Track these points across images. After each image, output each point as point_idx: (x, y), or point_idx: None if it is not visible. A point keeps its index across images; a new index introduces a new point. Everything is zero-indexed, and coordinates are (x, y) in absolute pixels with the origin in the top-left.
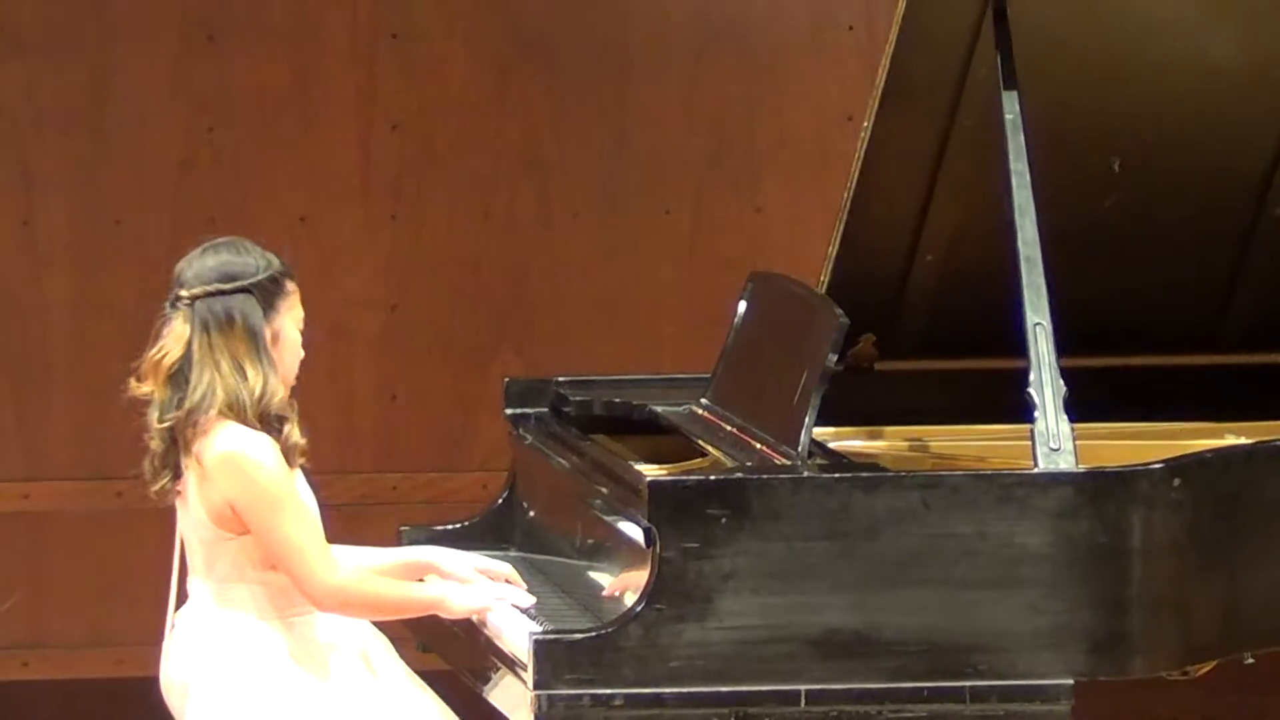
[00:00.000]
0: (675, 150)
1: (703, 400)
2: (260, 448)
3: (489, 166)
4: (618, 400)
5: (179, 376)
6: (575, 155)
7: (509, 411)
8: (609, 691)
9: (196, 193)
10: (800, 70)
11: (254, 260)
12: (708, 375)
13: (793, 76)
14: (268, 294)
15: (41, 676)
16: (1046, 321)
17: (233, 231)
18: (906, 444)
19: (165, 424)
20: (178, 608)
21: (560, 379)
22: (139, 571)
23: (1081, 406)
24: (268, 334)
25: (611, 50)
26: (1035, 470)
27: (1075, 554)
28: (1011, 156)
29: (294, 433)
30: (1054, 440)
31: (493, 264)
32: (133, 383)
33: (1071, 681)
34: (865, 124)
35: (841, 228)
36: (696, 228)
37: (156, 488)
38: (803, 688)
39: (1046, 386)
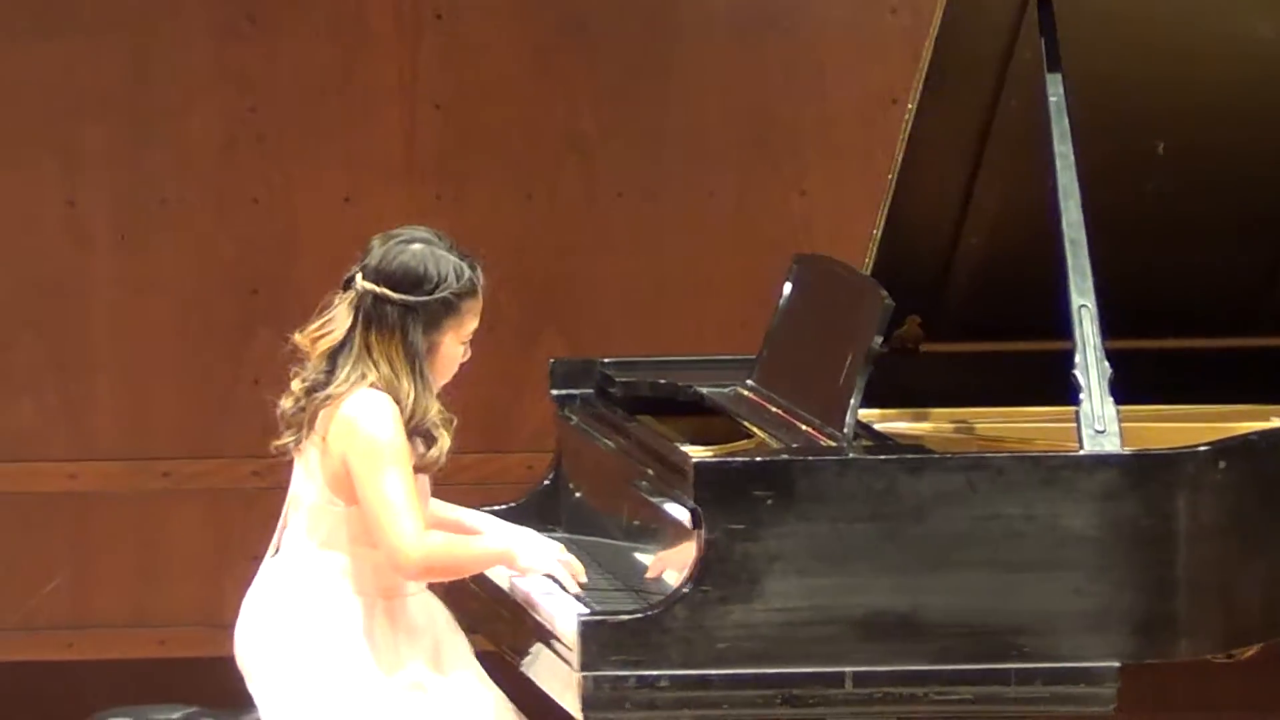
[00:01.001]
0: (719, 132)
1: (748, 381)
2: (381, 406)
3: (533, 147)
4: (663, 381)
5: (334, 355)
6: (619, 136)
7: (554, 392)
8: (655, 673)
9: (240, 173)
10: (844, 52)
11: (437, 272)
12: (753, 356)
13: (836, 59)
14: (434, 314)
15: (86, 657)
16: (1091, 304)
17: (276, 212)
18: (952, 426)
19: (306, 385)
20: (274, 556)
21: (605, 360)
22: (184, 552)
23: (1126, 389)
24: (425, 348)
25: (655, 31)
26: (1080, 453)
27: (1120, 536)
28: (1056, 139)
29: (438, 452)
30: (1099, 422)
31: (537, 245)
32: (298, 337)
33: (1117, 664)
34: (909, 106)
35: (886, 210)
36: (741, 210)
37: (280, 443)
38: (848, 669)
39: (1092, 369)
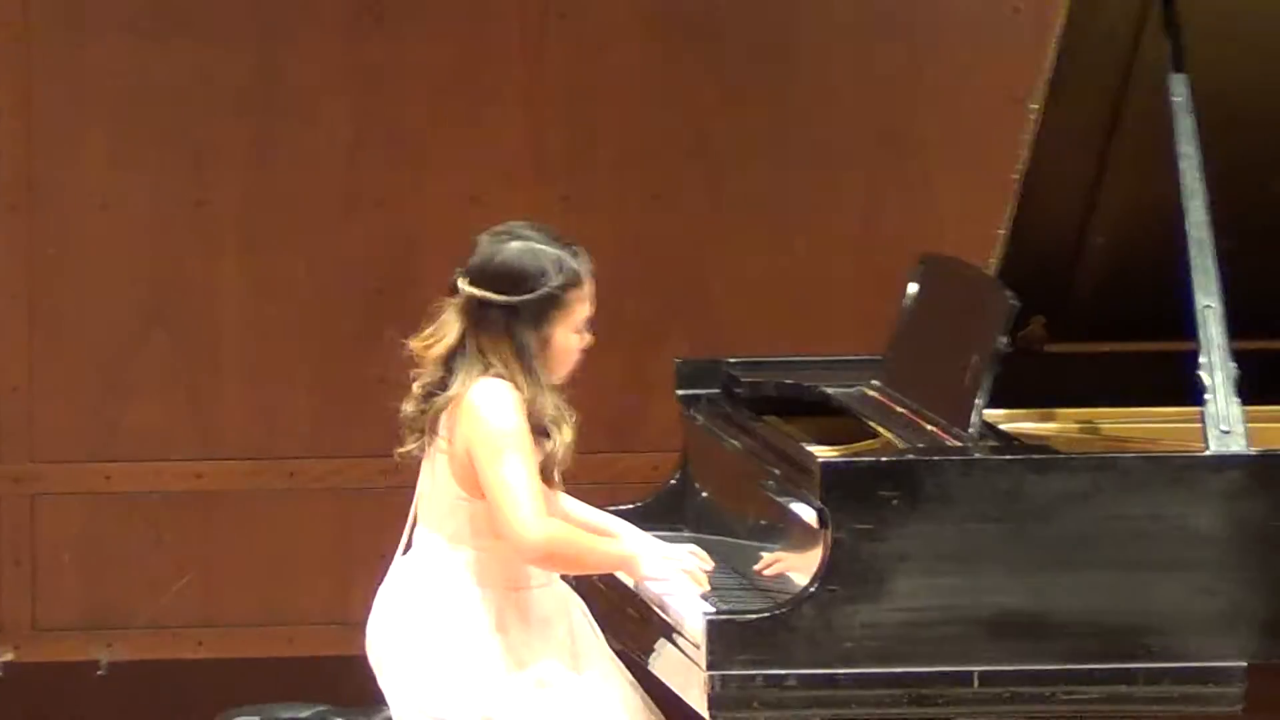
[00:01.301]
0: (844, 133)
1: (874, 382)
2: (502, 396)
3: (658, 147)
4: (789, 381)
5: (448, 361)
6: (745, 136)
7: (680, 392)
8: (782, 672)
9: (367, 173)
10: (968, 53)
11: (537, 268)
12: (879, 357)
13: (960, 59)
14: (537, 310)
15: (215, 655)
16: (1217, 303)
17: (403, 212)
18: (1077, 426)
19: (424, 390)
20: (404, 554)
21: (731, 360)
22: (311, 551)
23: (1252, 389)
24: (535, 345)
25: (780, 31)
26: (1206, 453)
27: (1247, 536)
28: (1180, 139)
29: (556, 447)
30: (1225, 422)
31: (663, 244)
32: (413, 343)
33: (1244, 664)
34: (1034, 106)
35: (1012, 210)
36: (866, 210)
37: (403, 450)
38: (975, 669)
39: (1217, 369)
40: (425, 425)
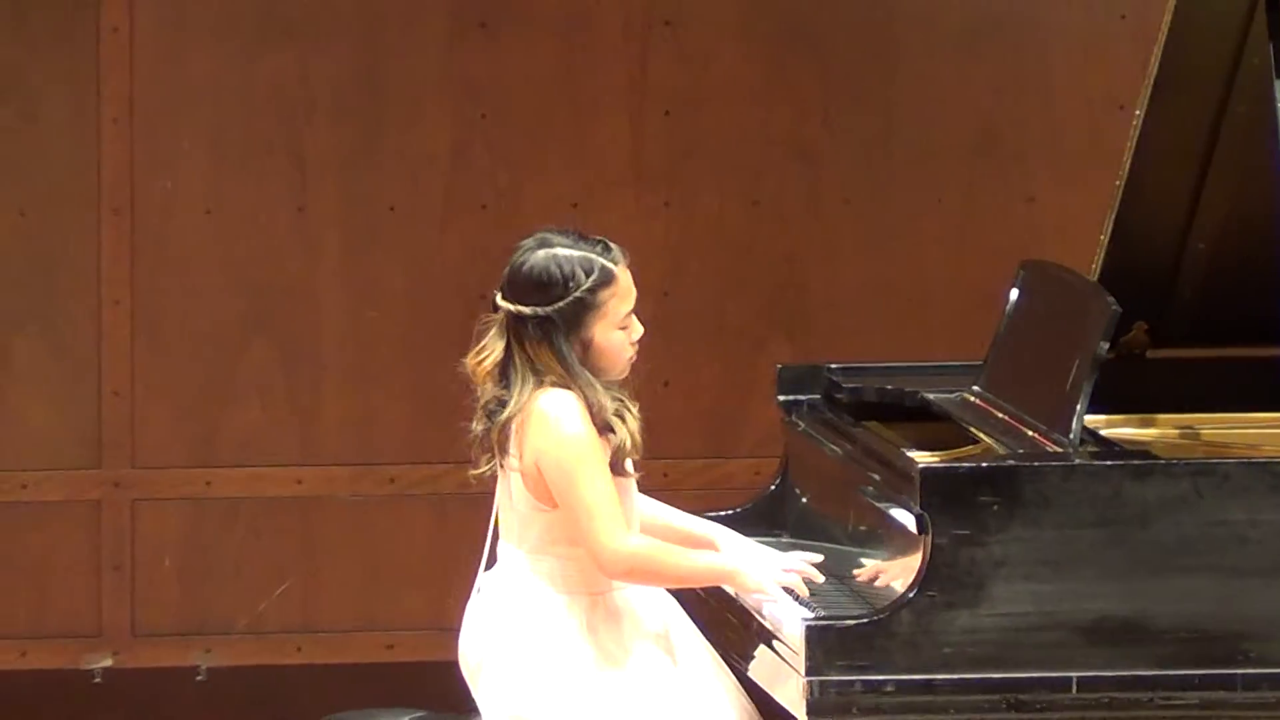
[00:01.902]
0: (945, 138)
1: (974, 387)
2: (567, 406)
3: (759, 154)
4: (889, 387)
5: (502, 377)
6: (845, 143)
7: (781, 398)
8: (881, 678)
9: (469, 179)
10: (1071, 58)
11: (561, 274)
12: (979, 363)
13: (1064, 65)
14: (570, 315)
15: (314, 661)
16: None
17: (505, 218)
18: (1178, 432)
19: (487, 408)
20: (487, 569)
21: (832, 365)
22: (410, 557)
23: None
24: (577, 349)
25: (881, 38)
26: None
27: None
28: None
29: (626, 438)
30: None
31: (764, 251)
32: (468, 363)
33: None
34: (1137, 112)
35: (1113, 216)
36: (967, 216)
37: (477, 472)
38: (1074, 674)
39: None
40: (494, 443)
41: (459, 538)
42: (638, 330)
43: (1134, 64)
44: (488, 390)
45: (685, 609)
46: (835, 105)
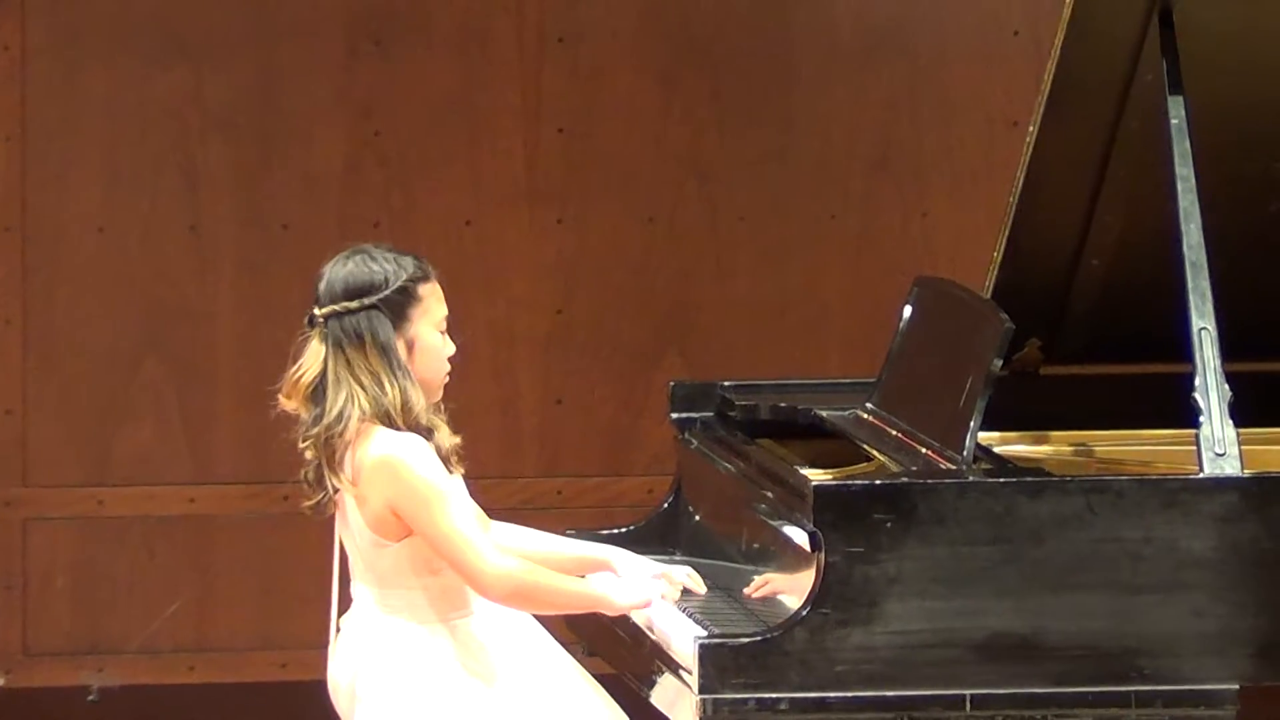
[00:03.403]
0: (841, 155)
1: (868, 404)
2: (412, 447)
3: (654, 171)
4: (783, 404)
5: (318, 394)
6: (740, 159)
7: (674, 415)
8: (774, 696)
9: (362, 197)
10: (965, 75)
11: (381, 270)
12: (873, 380)
13: (958, 81)
14: (395, 306)
15: (207, 680)
16: (1212, 326)
17: (398, 236)
18: (1071, 449)
19: (306, 442)
20: (340, 613)
21: (725, 383)
22: (304, 575)
23: (1247, 411)
24: (400, 345)
25: (777, 55)
26: (1201, 475)
27: (1241, 559)
28: (1177, 161)
29: (444, 438)
30: (1219, 445)
31: (658, 268)
32: (281, 399)
33: (1237, 687)
34: (1030, 129)
35: (1007, 232)
36: (862, 232)
37: (311, 503)
38: (968, 692)
39: (1212, 391)
40: (324, 477)
41: None
42: (451, 346)
43: (1028, 80)
44: (304, 413)
45: (574, 627)
46: (730, 122)
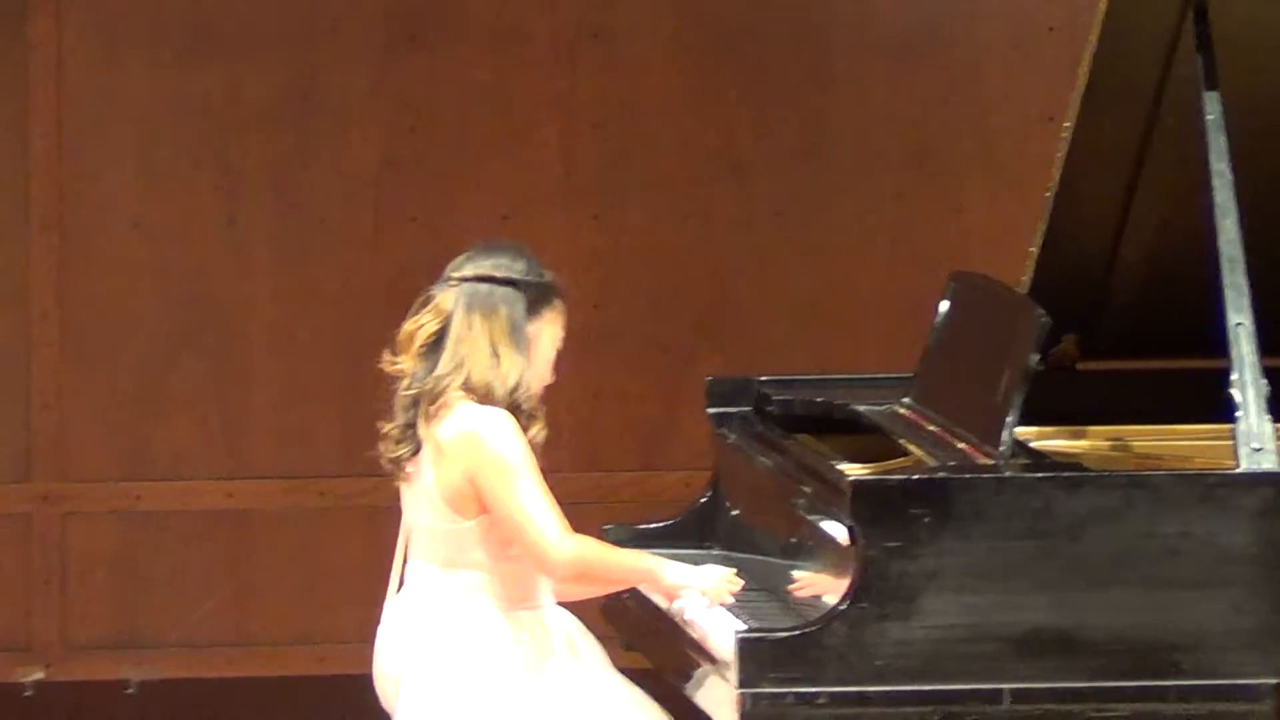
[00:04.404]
0: (876, 151)
1: (905, 399)
2: (497, 419)
3: (690, 166)
4: (820, 399)
5: (433, 350)
6: (776, 155)
7: (712, 410)
8: (813, 690)
9: (399, 190)
10: (1001, 71)
11: (528, 264)
12: (910, 375)
13: (994, 78)
14: (535, 297)
15: (246, 674)
16: (1249, 321)
17: (435, 231)
18: (1109, 444)
19: (410, 392)
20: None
21: (763, 378)
22: (342, 569)
23: None
24: (528, 334)
25: (813, 50)
26: (1238, 470)
27: (1277, 554)
28: (1213, 156)
29: (539, 432)
30: (1256, 440)
31: (695, 263)
32: (387, 355)
33: (1276, 681)
34: (1066, 125)
35: (1043, 228)
36: (898, 228)
37: (393, 455)
38: (1006, 686)
39: (1249, 386)
40: (411, 436)
41: (392, 550)
42: (554, 375)
43: (1064, 76)
44: (412, 366)
45: (613, 621)
46: (766, 117)
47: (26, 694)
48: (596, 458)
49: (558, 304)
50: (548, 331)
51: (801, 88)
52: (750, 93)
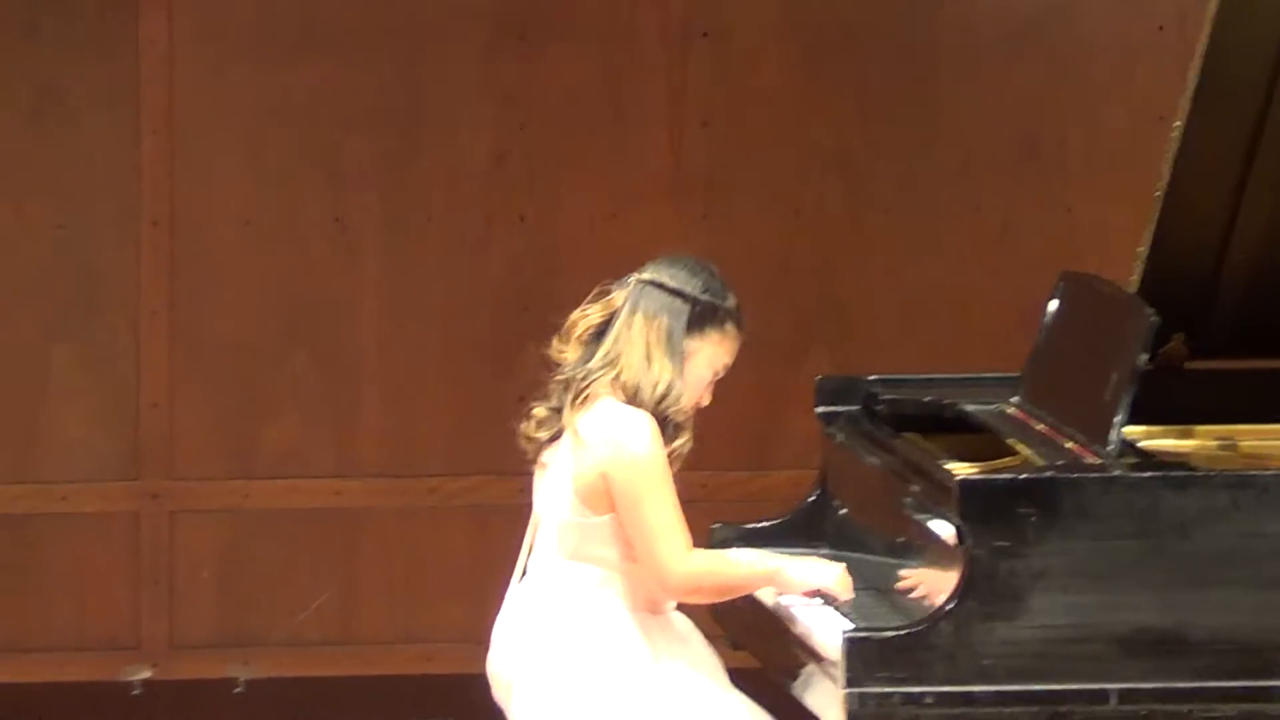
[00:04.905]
0: (985, 148)
1: (1013, 399)
2: (641, 424)
3: (799, 164)
4: (929, 398)
5: (593, 342)
6: (885, 152)
7: (820, 409)
8: (920, 690)
9: (507, 189)
10: (1111, 69)
11: (710, 285)
12: (1018, 374)
13: (1104, 75)
14: (700, 315)
15: (352, 673)
16: None
17: (543, 230)
18: (1216, 443)
19: (563, 377)
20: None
21: (871, 377)
22: (449, 569)
23: None
24: (684, 347)
25: (921, 47)
26: None
27: None
28: None
29: (684, 443)
30: None
31: (803, 261)
32: (555, 342)
33: None
34: (1177, 123)
35: (1153, 227)
36: (1007, 226)
37: (532, 435)
38: (1113, 686)
39: None
40: (571, 403)
41: (499, 549)
42: (708, 396)
43: (1174, 74)
44: (572, 354)
45: (721, 619)
46: (874, 115)
47: (135, 692)
48: (704, 456)
49: (728, 328)
50: (707, 351)
51: (910, 85)
52: (859, 90)
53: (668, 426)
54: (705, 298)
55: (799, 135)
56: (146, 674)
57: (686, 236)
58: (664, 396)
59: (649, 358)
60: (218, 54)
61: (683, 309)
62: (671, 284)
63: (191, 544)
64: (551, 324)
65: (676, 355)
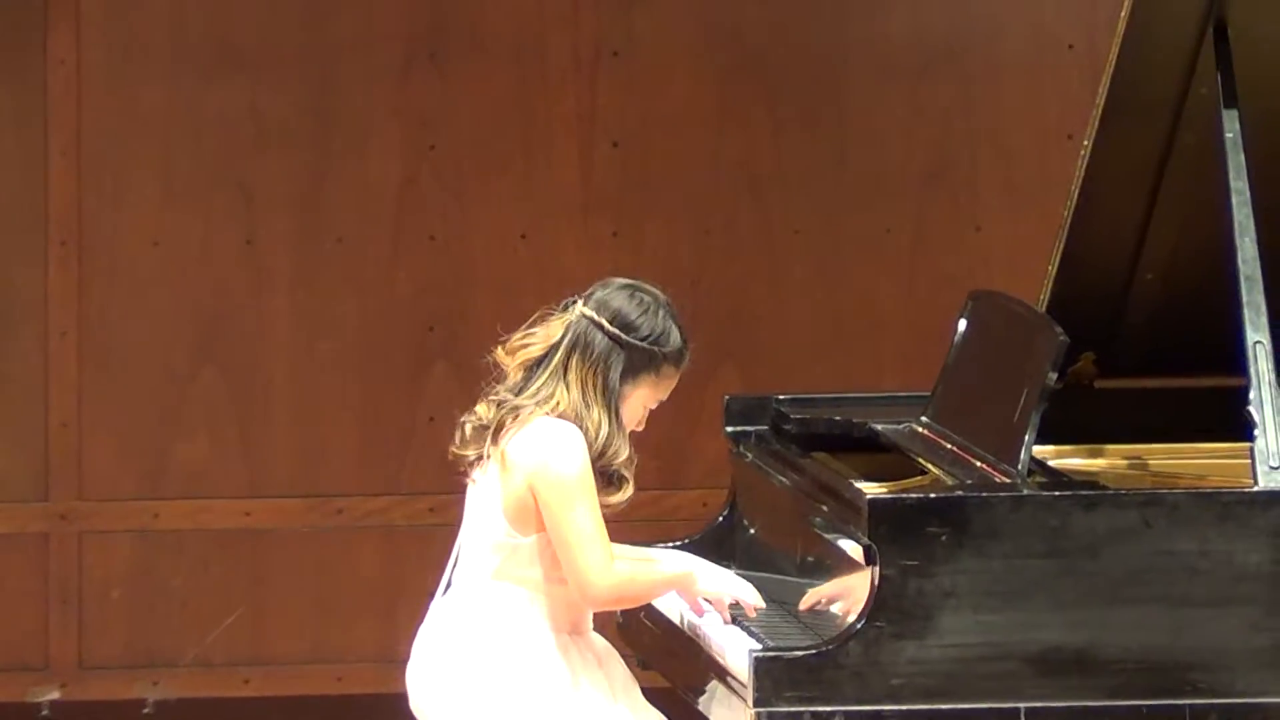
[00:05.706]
0: (895, 168)
1: (923, 418)
2: (570, 437)
3: (709, 184)
4: (838, 418)
5: (532, 370)
6: (795, 172)
7: (729, 429)
8: (829, 709)
9: (417, 209)
10: (1020, 88)
11: (651, 325)
12: (928, 393)
13: (1013, 95)
14: (637, 360)
15: (263, 693)
16: (1267, 340)
17: (454, 249)
18: (1126, 462)
19: (496, 398)
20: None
21: (781, 396)
22: (359, 588)
23: None
24: (619, 390)
25: (832, 67)
26: (1255, 488)
27: None
28: (1232, 174)
29: (622, 498)
30: (1274, 458)
31: (713, 281)
32: (500, 351)
33: None
34: (1085, 142)
35: (1061, 246)
36: (917, 245)
37: (458, 452)
38: (1023, 705)
39: (1267, 404)
40: (486, 439)
41: (409, 569)
42: (642, 424)
43: (1083, 94)
44: (513, 376)
45: (630, 639)
46: (785, 134)
47: (43, 714)
48: None
49: (665, 371)
50: (642, 393)
51: (820, 106)
52: (769, 110)
53: (612, 478)
54: (644, 345)
55: (709, 154)
56: (55, 695)
57: (597, 255)
58: (604, 451)
59: (587, 401)
60: (128, 73)
61: (619, 355)
62: (611, 327)
63: (101, 564)
64: (462, 345)
65: (613, 404)
